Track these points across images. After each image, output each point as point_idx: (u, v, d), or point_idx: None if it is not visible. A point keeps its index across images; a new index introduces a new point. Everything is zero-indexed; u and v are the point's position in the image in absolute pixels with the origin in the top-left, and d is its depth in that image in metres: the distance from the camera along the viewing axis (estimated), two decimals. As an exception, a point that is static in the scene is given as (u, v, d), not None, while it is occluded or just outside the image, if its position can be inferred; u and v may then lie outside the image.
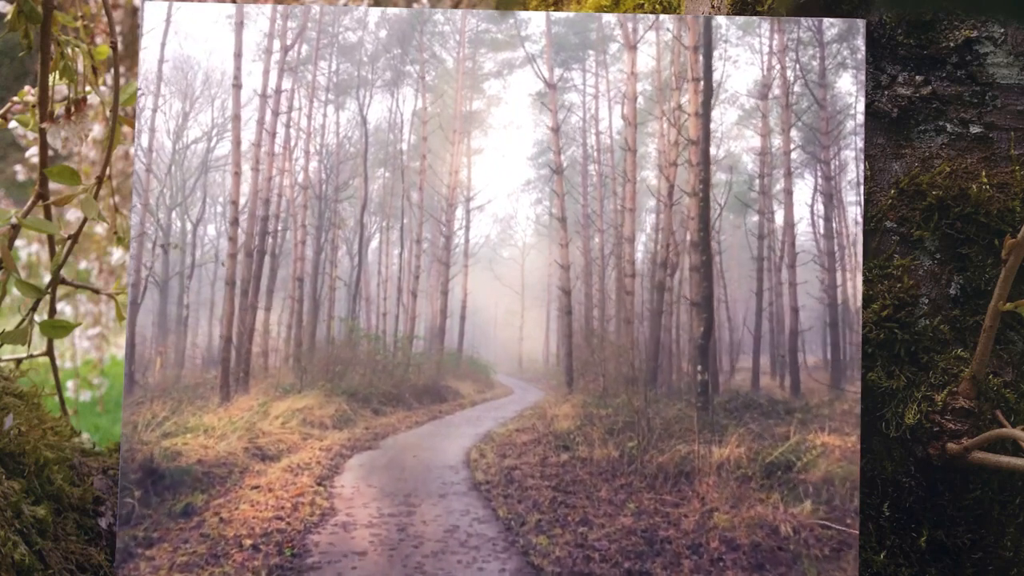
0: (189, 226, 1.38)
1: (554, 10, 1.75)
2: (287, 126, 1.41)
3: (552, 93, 1.40)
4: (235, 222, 1.39)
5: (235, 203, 1.39)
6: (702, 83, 1.37)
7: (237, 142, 1.38)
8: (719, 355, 1.40)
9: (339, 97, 1.40)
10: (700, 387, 1.39)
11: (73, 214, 3.21)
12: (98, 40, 2.70)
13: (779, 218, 1.37)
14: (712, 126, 1.38)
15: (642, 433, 1.38)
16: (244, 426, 1.40)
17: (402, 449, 1.41)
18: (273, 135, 1.40)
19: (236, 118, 1.38)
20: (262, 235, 1.41)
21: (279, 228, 1.41)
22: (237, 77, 1.37)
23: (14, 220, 1.32)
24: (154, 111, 1.35)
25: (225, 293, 1.40)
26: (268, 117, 1.40)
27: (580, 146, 1.41)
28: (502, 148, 1.38)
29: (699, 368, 1.40)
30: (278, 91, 1.40)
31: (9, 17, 1.27)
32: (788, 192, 1.37)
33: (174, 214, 1.37)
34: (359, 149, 1.41)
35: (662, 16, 1.37)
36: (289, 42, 1.40)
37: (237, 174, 1.39)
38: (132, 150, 1.54)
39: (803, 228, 1.38)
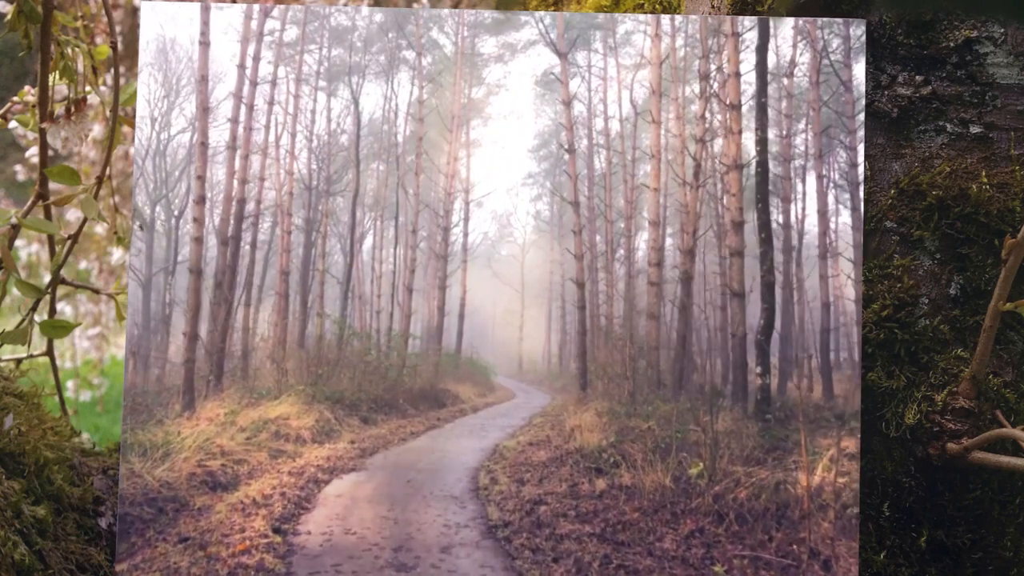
0: (173, 220, 1.26)
1: (554, 10, 1.75)
2: (270, 104, 1.25)
3: (563, 63, 1.25)
4: (201, 200, 1.22)
5: (201, 179, 1.23)
6: (751, 35, 1.21)
7: (204, 108, 1.24)
8: (729, 355, 1.23)
9: (331, 84, 1.26)
10: (761, 393, 1.14)
11: (73, 214, 3.21)
12: (98, 40, 2.70)
13: (793, 210, 1.26)
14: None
15: (707, 454, 1.09)
16: (197, 442, 1.14)
17: (393, 470, 1.15)
18: (251, 108, 1.24)
19: (203, 80, 1.23)
20: (238, 220, 1.24)
21: (261, 214, 1.24)
22: (204, 34, 1.23)
23: (14, 220, 1.32)
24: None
25: (189, 283, 1.21)
26: (247, 89, 1.24)
27: (586, 136, 1.28)
28: (502, 139, 1.25)
29: (758, 370, 1.16)
30: (256, 59, 1.24)
31: (9, 17, 1.27)
32: (819, 177, 1.23)
33: (159, 207, 1.26)
34: (351, 137, 1.27)
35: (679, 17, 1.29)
36: (269, 3, 1.25)
37: (204, 144, 1.23)
38: (132, 150, 1.48)
39: (813, 221, 1.27)
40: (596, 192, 1.29)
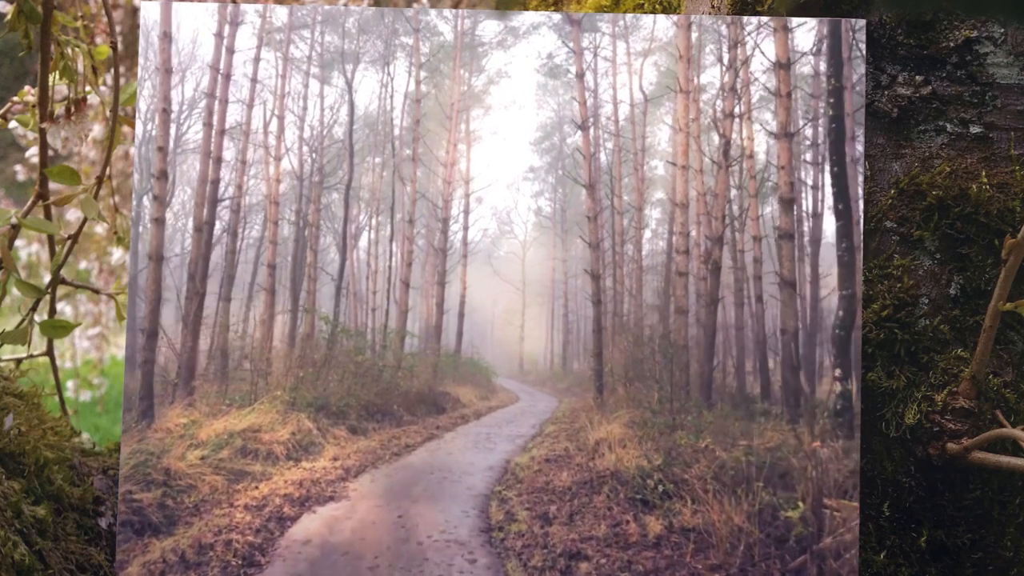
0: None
1: (554, 10, 1.75)
2: (253, 80, 1.11)
3: (576, 31, 1.13)
4: (163, 175, 1.08)
5: (162, 150, 1.09)
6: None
7: (166, 70, 1.11)
8: (744, 354, 1.06)
9: (324, 71, 1.15)
10: (841, 400, 0.95)
11: (73, 214, 3.21)
12: (98, 40, 2.70)
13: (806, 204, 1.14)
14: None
15: (808, 488, 0.84)
16: (132, 464, 0.91)
17: (382, 500, 0.90)
18: (228, 78, 1.11)
19: (165, 37, 1.11)
20: (212, 204, 1.09)
21: (243, 201, 1.10)
22: (169, -12, 1.12)
23: (14, 220, 1.32)
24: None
25: (149, 271, 1.04)
26: (224, 58, 1.10)
27: (592, 125, 1.17)
28: (503, 130, 1.14)
29: (837, 373, 0.98)
30: (235, 24, 1.11)
31: (9, 17, 1.27)
32: (853, 161, 1.10)
33: (145, 200, 1.16)
34: (345, 124, 1.15)
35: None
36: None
37: (166, 111, 1.10)
38: (132, 149, 1.44)
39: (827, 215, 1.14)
40: (604, 181, 1.19)
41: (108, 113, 1.38)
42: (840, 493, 0.87)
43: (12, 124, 1.39)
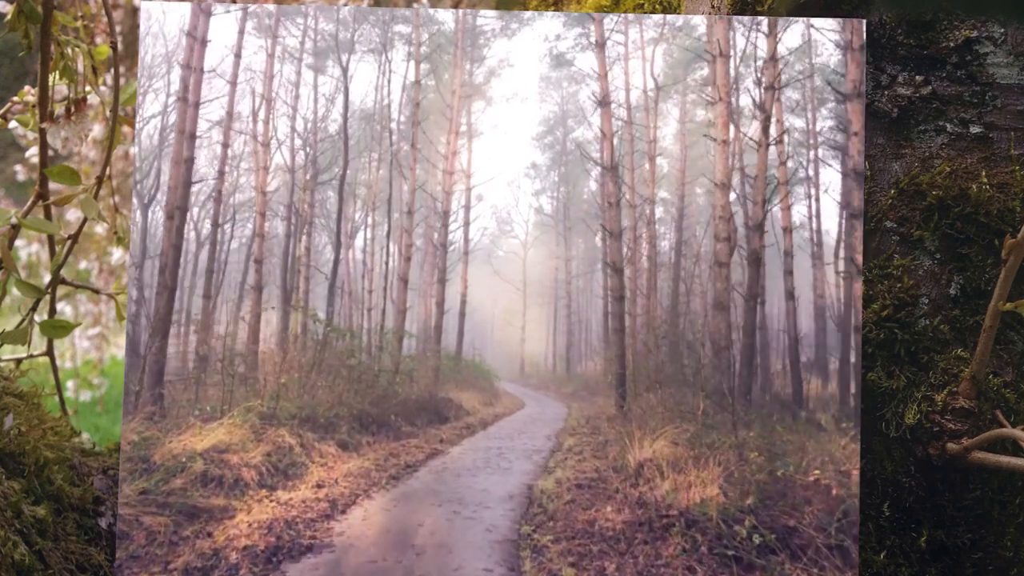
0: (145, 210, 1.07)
1: (554, 10, 1.75)
2: (237, 56, 1.00)
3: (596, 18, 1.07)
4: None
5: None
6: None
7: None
8: (761, 357, 0.95)
9: (317, 59, 1.08)
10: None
11: (73, 214, 3.22)
12: (98, 40, 2.70)
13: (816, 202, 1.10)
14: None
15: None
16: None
17: (376, 549, 0.70)
18: (204, 43, 1.00)
19: None
20: (186, 187, 0.96)
21: (225, 188, 1.00)
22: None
23: (14, 220, 1.32)
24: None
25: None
26: (201, 23, 1.00)
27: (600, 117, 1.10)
28: (504, 124, 1.08)
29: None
30: None
31: (9, 17, 1.27)
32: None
33: (133, 195, 1.09)
34: (341, 111, 1.07)
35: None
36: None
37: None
38: (132, 149, 1.43)
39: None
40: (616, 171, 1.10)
41: (108, 113, 1.38)
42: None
43: (12, 124, 1.39)
